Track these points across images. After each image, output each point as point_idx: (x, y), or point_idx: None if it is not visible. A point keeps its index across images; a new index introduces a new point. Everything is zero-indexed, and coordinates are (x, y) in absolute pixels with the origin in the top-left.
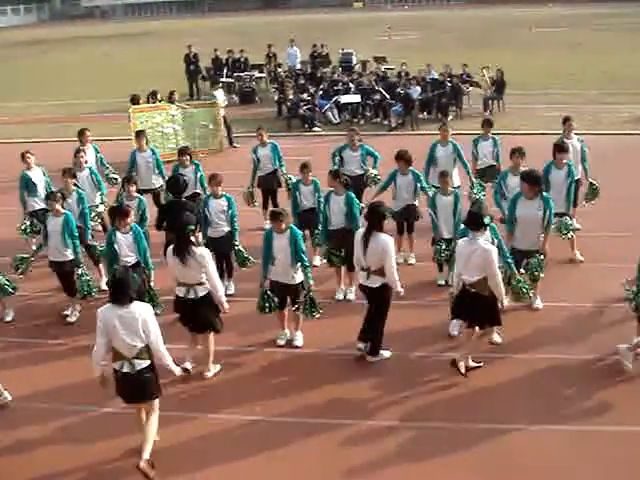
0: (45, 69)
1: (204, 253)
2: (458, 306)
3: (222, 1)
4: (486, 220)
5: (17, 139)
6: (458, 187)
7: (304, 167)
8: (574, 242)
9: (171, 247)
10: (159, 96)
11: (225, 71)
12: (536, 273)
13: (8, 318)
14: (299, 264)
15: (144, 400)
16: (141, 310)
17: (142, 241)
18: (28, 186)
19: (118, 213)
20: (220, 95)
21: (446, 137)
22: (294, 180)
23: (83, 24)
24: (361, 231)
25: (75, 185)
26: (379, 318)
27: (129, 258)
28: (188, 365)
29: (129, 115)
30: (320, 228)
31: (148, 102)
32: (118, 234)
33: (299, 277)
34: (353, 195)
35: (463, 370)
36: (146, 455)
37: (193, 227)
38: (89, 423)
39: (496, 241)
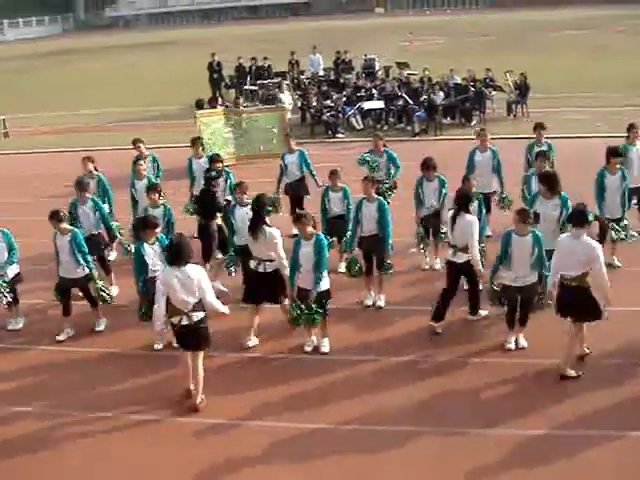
0: (70, 79)
1: (274, 233)
2: (562, 305)
3: (245, 9)
4: (590, 217)
5: (47, 149)
6: (495, 192)
7: (333, 173)
8: (615, 247)
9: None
10: (220, 101)
11: (248, 79)
12: None
13: (19, 325)
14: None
15: (198, 349)
16: (195, 272)
17: None
18: None
19: (146, 225)
20: (286, 98)
21: (485, 143)
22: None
23: (107, 34)
24: (451, 212)
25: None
26: (475, 286)
27: (157, 267)
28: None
29: (194, 119)
30: (349, 235)
31: (210, 106)
32: (145, 246)
33: (324, 284)
34: (385, 202)
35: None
36: (199, 398)
37: (270, 208)
38: (118, 429)
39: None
